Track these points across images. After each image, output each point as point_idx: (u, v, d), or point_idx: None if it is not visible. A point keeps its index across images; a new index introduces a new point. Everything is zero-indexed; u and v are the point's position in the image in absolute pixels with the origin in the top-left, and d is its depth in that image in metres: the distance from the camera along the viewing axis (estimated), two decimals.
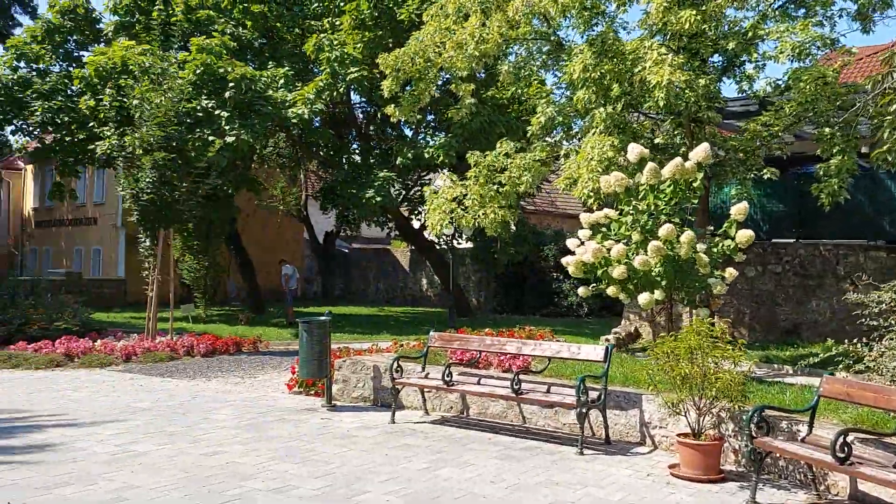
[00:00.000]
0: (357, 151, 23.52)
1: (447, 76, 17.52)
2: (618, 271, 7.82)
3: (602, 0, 10.97)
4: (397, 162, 19.52)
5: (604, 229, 8.51)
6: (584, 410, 7.04)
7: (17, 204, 34.46)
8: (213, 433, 7.55)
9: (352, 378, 9.47)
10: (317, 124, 21.49)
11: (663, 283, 7.76)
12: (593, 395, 7.22)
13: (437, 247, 25.25)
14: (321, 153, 22.80)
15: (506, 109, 19.53)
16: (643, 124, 11.59)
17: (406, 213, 25.13)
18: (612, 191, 8.43)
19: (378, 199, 18.95)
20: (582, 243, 8.40)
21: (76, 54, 20.77)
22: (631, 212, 8.20)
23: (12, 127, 18.98)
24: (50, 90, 18.91)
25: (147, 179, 13.20)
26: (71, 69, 19.42)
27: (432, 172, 24.84)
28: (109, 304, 25.36)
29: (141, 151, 13.32)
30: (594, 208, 9.21)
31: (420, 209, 25.41)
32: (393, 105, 13.61)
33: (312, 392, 9.77)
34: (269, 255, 28.57)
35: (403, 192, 24.24)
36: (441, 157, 18.07)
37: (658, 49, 9.17)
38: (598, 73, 9.71)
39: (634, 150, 8.35)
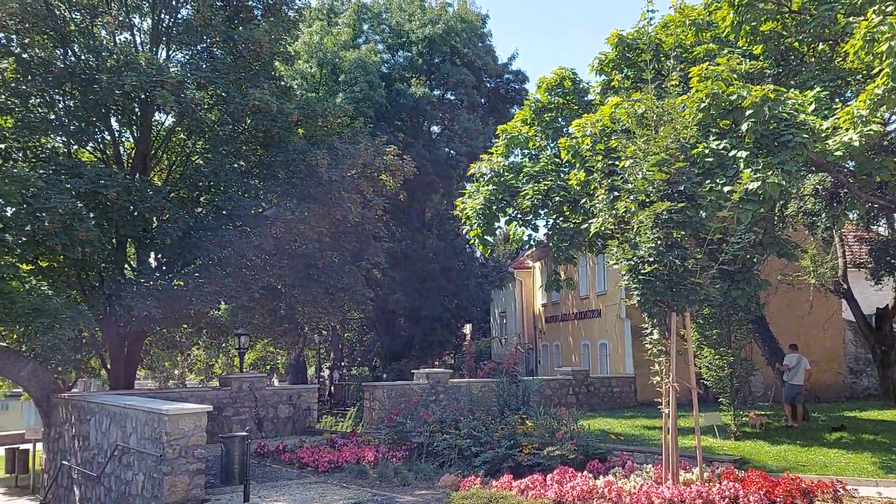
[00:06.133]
0: None
1: None
2: None
3: None
4: None
5: None
6: None
7: (529, 302, 34.55)
8: None
9: None
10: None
11: None
12: None
13: None
14: (879, 195, 15.72)
15: None
16: None
17: None
18: None
19: None
20: None
21: (567, 131, 18.47)
22: None
23: (507, 217, 17.19)
24: (540, 171, 16.72)
25: (648, 244, 8.82)
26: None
27: None
28: (618, 405, 21.89)
29: (636, 206, 9.09)
30: None
31: None
32: None
33: None
34: (798, 342, 21.69)
35: None
36: None
37: None
38: None
39: None
